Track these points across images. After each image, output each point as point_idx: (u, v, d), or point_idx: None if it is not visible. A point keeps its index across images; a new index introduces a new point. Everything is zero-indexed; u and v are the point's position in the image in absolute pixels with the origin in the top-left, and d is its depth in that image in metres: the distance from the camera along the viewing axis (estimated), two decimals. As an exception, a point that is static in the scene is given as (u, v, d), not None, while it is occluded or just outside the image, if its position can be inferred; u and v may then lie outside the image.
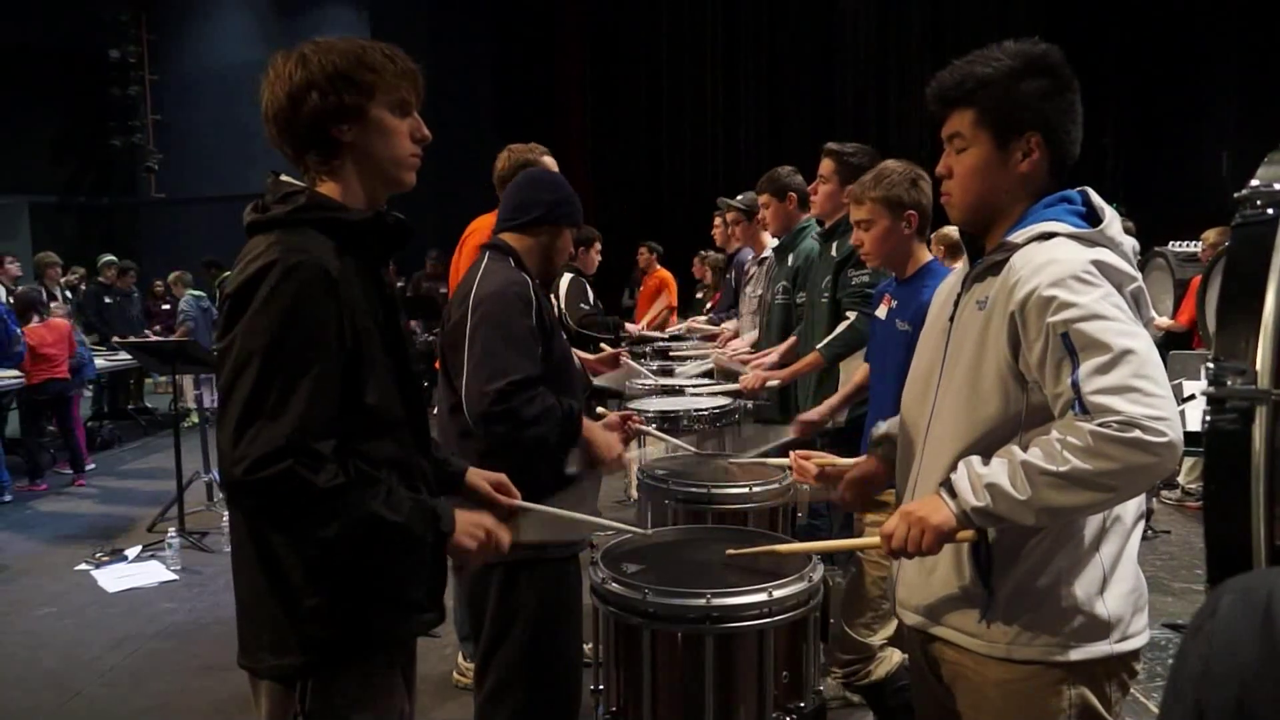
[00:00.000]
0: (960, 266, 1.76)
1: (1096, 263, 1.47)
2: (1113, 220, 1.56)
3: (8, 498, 6.72)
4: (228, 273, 1.69)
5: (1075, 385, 1.39)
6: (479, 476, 1.91)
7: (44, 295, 9.13)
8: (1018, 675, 1.55)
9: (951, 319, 1.68)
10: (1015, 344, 1.51)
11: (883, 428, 1.93)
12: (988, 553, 1.56)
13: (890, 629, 2.77)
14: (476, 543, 1.59)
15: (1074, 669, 1.54)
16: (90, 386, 8.83)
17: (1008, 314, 1.51)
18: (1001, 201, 1.62)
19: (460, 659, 3.67)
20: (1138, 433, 1.33)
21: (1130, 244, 1.57)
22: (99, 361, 8.30)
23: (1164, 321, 6.33)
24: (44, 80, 14.08)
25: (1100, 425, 1.35)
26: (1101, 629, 1.53)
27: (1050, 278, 1.45)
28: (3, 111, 13.61)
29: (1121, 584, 1.55)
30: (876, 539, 1.64)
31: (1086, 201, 1.60)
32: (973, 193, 1.64)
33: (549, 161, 3.27)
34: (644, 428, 2.84)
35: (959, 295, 1.68)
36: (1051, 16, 11.84)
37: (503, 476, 1.93)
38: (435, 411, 2.43)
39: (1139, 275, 1.54)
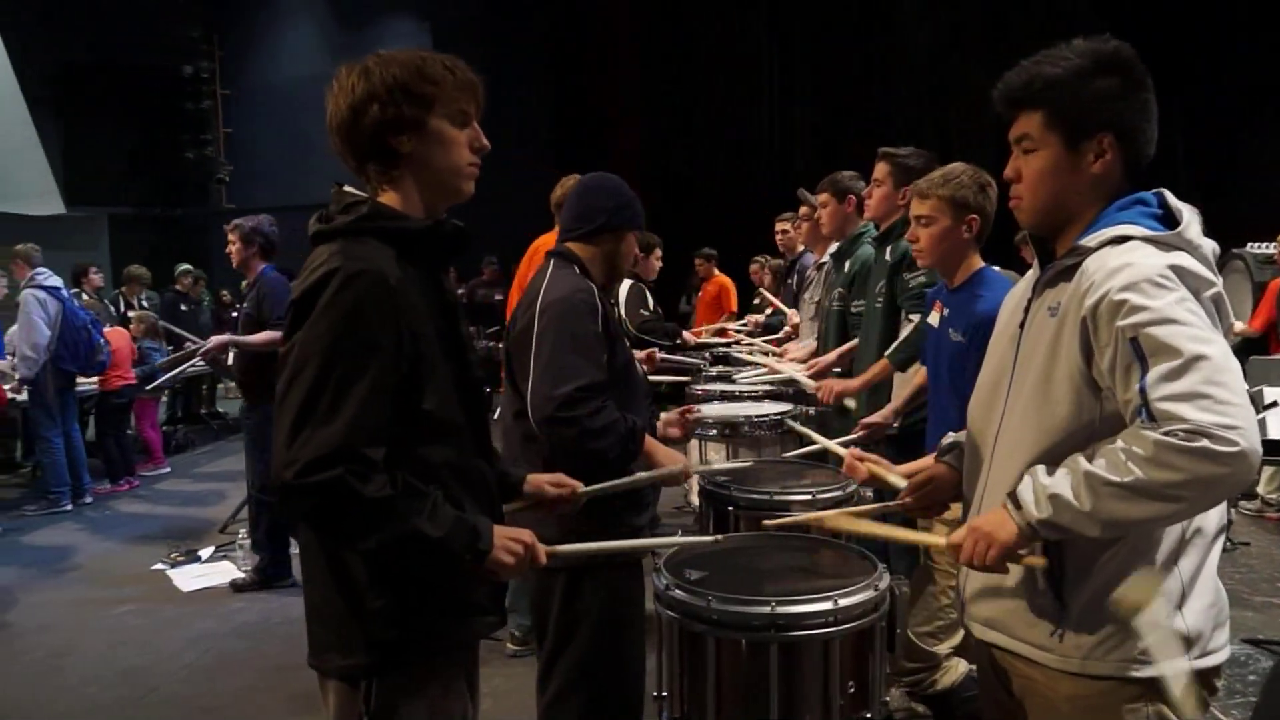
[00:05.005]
0: (1030, 273, 1.73)
1: (1174, 267, 1.42)
2: (1191, 222, 1.51)
3: (88, 499, 6.97)
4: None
5: (1143, 391, 1.35)
6: (537, 480, 1.94)
7: (121, 306, 9.52)
8: (1091, 691, 1.51)
9: (1022, 325, 1.64)
10: (1088, 350, 1.47)
11: (952, 436, 1.89)
12: (1060, 564, 1.52)
13: (956, 638, 2.72)
14: (515, 558, 1.60)
15: (1151, 685, 1.49)
16: (165, 393, 9.13)
17: (1080, 320, 1.47)
18: (1072, 205, 1.58)
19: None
20: (1205, 442, 1.28)
21: (1210, 247, 1.52)
22: (174, 368, 8.58)
23: (1239, 326, 6.10)
24: (122, 97, 14.73)
25: (1165, 434, 1.31)
26: (1180, 644, 1.48)
27: (1123, 281, 1.41)
28: (84, 128, 14.26)
29: (1201, 598, 1.50)
30: (940, 539, 1.61)
31: (1163, 203, 1.55)
32: (1042, 196, 1.60)
33: None
34: (702, 416, 2.82)
35: (1029, 301, 1.64)
36: (1118, 9, 11.51)
37: (560, 475, 1.95)
38: (497, 417, 2.47)
39: (1219, 280, 1.49)
